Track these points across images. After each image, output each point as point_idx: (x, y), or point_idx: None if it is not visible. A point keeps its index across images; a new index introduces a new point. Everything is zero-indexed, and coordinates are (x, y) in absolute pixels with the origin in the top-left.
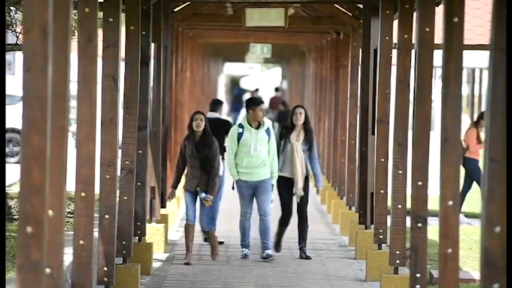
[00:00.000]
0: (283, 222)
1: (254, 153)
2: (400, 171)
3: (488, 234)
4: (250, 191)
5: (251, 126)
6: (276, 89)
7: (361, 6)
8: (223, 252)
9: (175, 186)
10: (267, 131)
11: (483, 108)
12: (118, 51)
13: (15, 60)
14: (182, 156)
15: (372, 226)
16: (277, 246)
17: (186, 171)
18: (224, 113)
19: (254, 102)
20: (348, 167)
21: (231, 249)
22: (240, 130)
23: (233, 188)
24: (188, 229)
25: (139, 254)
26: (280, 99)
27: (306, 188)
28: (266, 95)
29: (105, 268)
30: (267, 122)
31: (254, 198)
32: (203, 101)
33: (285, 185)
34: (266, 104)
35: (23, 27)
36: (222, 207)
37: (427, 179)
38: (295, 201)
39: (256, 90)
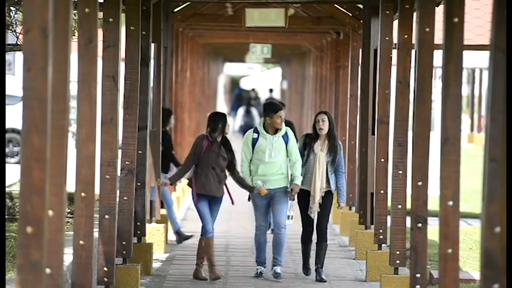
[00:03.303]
0: (305, 239)
1: (269, 159)
2: (400, 172)
3: (488, 234)
4: (265, 202)
5: (267, 132)
6: (271, 90)
7: (361, 6)
8: (223, 252)
9: (174, 182)
10: (285, 136)
11: (483, 108)
12: (118, 51)
13: (15, 60)
14: (197, 155)
15: (372, 226)
16: (305, 268)
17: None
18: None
19: (272, 108)
20: (348, 167)
21: (230, 250)
22: (255, 135)
23: (249, 199)
24: (208, 243)
25: (139, 254)
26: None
27: (327, 203)
28: (263, 95)
29: (105, 268)
30: (285, 127)
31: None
32: (203, 101)
33: (306, 199)
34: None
35: (23, 27)
36: (221, 208)
37: (427, 179)
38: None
39: (253, 90)
